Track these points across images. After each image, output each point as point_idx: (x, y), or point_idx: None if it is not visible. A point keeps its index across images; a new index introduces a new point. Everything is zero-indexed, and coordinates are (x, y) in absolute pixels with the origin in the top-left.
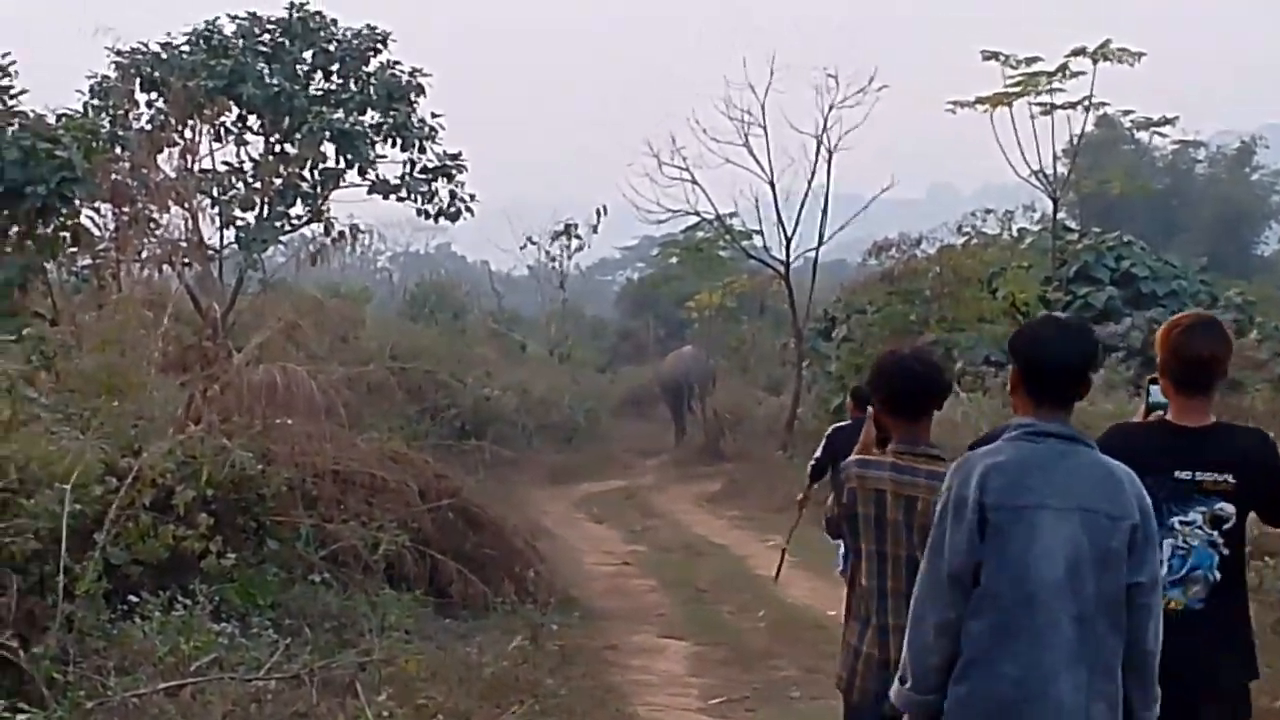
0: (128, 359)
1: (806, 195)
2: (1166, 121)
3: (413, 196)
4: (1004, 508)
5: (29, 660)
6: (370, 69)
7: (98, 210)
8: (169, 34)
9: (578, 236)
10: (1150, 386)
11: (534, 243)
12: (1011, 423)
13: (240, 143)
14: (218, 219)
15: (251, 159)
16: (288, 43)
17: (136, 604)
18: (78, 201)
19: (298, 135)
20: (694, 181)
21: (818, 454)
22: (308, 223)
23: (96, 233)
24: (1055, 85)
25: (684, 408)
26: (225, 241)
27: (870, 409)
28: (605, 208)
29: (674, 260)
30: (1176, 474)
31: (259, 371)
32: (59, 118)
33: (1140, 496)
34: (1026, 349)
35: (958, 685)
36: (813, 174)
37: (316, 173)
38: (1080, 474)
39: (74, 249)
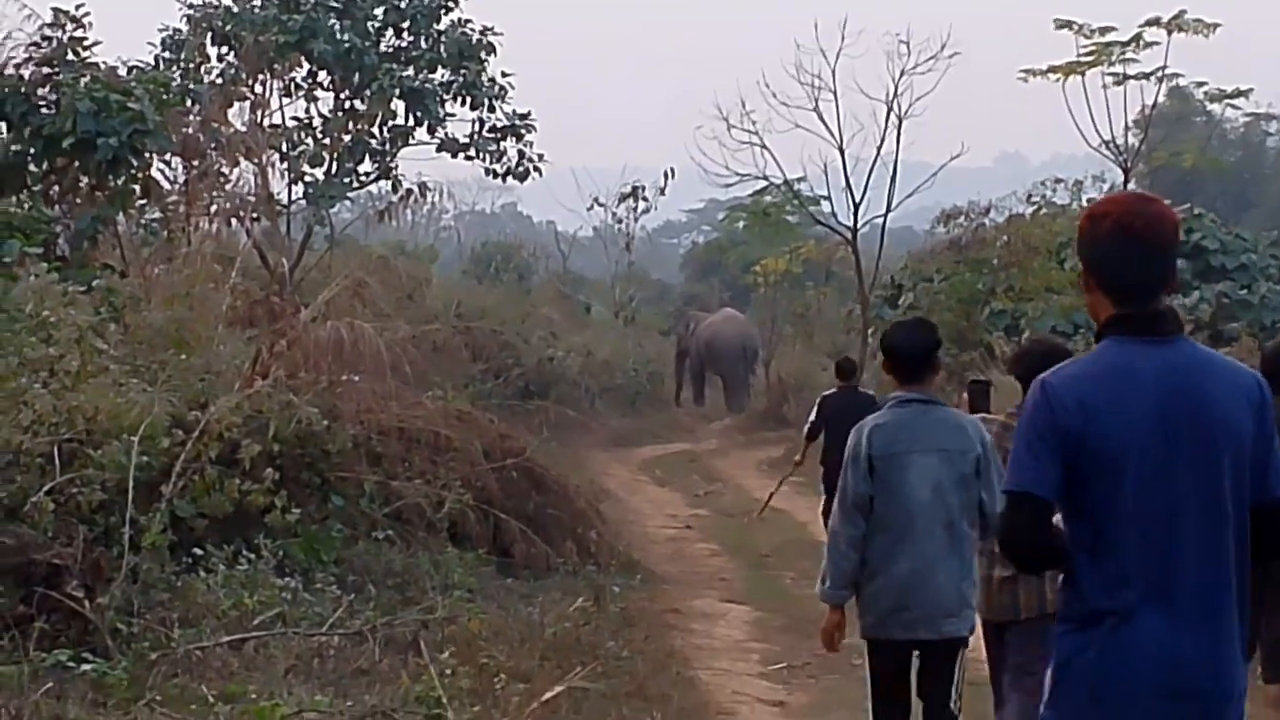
0: (196, 313)
1: (875, 162)
2: (1240, 94)
3: (481, 155)
4: (883, 455)
5: (94, 611)
6: (441, 27)
7: (168, 163)
8: None
9: (644, 199)
10: None
11: (600, 204)
12: (890, 395)
13: (310, 99)
14: (287, 174)
15: (321, 115)
16: None
17: (201, 557)
18: (149, 154)
19: (368, 92)
20: (763, 146)
21: (812, 418)
22: (376, 180)
23: (166, 186)
24: (1128, 55)
25: (703, 379)
26: (293, 197)
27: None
28: (673, 170)
29: (740, 225)
30: None
31: (326, 328)
32: (131, 70)
33: (981, 436)
34: (886, 342)
35: (869, 583)
36: (882, 140)
37: (385, 130)
38: (936, 426)
39: (144, 201)
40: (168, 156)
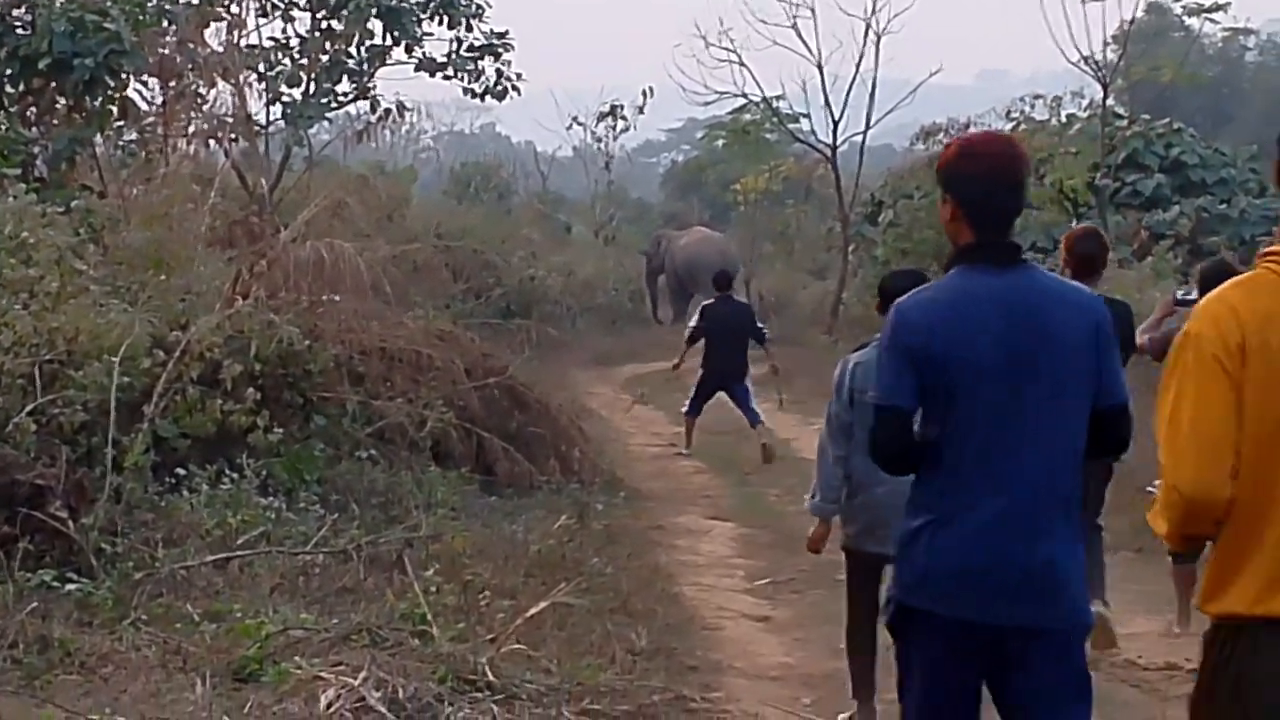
0: (175, 234)
1: (854, 79)
2: (1218, 7)
3: (459, 75)
4: (864, 386)
5: (78, 531)
6: None
7: (145, 84)
8: None
9: (623, 118)
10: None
11: (579, 124)
12: (873, 338)
13: (287, 18)
14: (264, 95)
15: (298, 35)
16: None
17: (184, 477)
18: (125, 75)
19: (344, 11)
20: (741, 64)
21: (692, 324)
22: (354, 100)
23: (144, 107)
24: None
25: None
26: (271, 118)
27: None
28: (651, 89)
29: (720, 144)
30: None
31: (306, 248)
32: None
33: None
34: (882, 287)
35: (851, 499)
36: (861, 58)
37: (363, 49)
38: None
39: (121, 123)
40: (144, 77)
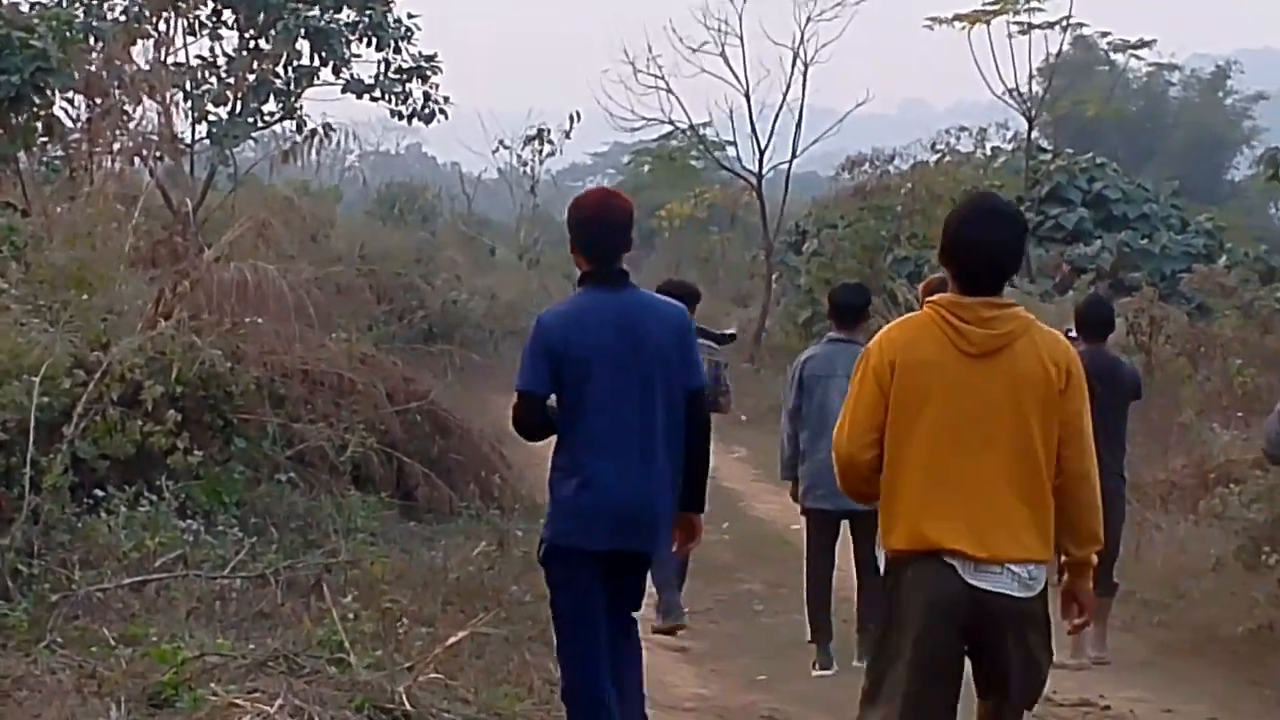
0: (98, 252)
1: (781, 108)
2: (1143, 44)
3: (386, 97)
4: (812, 376)
5: None
6: None
7: (71, 101)
8: None
9: (550, 142)
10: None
11: (506, 147)
12: (827, 335)
13: (215, 37)
14: (190, 113)
15: (226, 54)
16: None
17: (102, 499)
18: (51, 92)
19: (273, 31)
20: (669, 90)
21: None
22: (280, 120)
23: (69, 124)
24: (1034, 4)
25: None
26: (197, 136)
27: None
28: (579, 114)
29: (646, 169)
30: None
31: (229, 269)
32: (33, 6)
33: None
34: (831, 297)
35: (803, 464)
36: (788, 87)
37: (290, 70)
38: (854, 355)
39: (46, 139)
40: (70, 94)
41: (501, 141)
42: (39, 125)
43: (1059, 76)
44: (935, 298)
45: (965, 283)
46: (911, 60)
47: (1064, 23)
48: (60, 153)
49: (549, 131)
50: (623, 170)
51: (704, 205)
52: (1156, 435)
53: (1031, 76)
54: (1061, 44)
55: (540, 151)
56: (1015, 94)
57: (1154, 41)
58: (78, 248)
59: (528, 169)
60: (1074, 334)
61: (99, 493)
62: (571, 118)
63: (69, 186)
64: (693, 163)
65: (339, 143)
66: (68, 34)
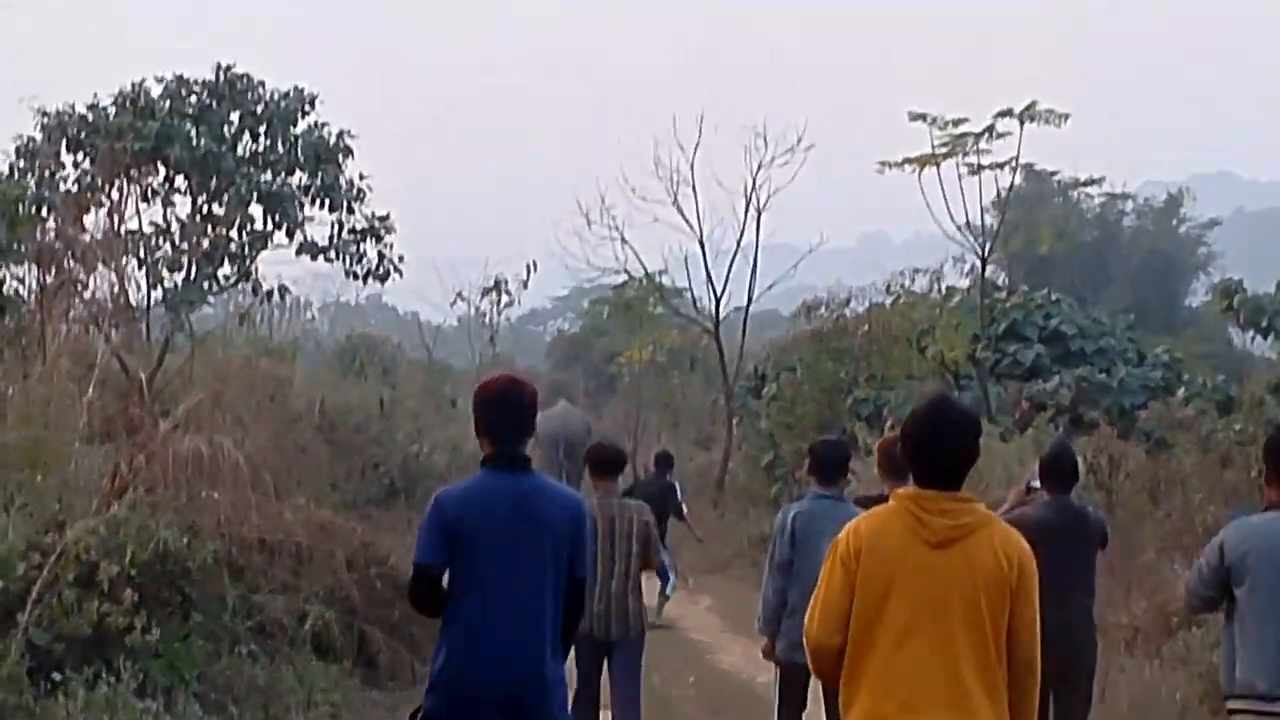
0: (52, 430)
1: (736, 252)
2: (1093, 182)
3: (341, 257)
4: (802, 531)
5: None
6: (298, 130)
7: (22, 280)
8: (95, 95)
9: (507, 292)
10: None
11: (464, 298)
12: (811, 490)
13: (167, 204)
14: (145, 280)
15: (179, 220)
16: (214, 104)
17: (60, 682)
18: (3, 270)
19: (225, 196)
20: (623, 240)
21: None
22: (235, 283)
23: (22, 294)
24: (982, 147)
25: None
26: (152, 302)
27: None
28: (535, 264)
29: (605, 314)
30: None
31: (185, 440)
32: None
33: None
34: (812, 452)
35: (786, 620)
36: (742, 232)
37: (244, 234)
38: (841, 514)
39: None
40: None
41: (460, 293)
42: None
43: (1012, 209)
44: (901, 491)
45: (926, 481)
46: (869, 195)
47: (1013, 163)
48: (12, 325)
49: (506, 282)
50: (582, 314)
51: (663, 350)
52: (1118, 576)
53: (984, 210)
54: (1013, 181)
55: (498, 302)
56: (969, 229)
57: (1103, 179)
58: (32, 426)
59: (486, 320)
60: (1038, 485)
61: (56, 676)
62: (528, 267)
63: (22, 363)
64: (650, 310)
65: (297, 301)
66: (19, 209)
